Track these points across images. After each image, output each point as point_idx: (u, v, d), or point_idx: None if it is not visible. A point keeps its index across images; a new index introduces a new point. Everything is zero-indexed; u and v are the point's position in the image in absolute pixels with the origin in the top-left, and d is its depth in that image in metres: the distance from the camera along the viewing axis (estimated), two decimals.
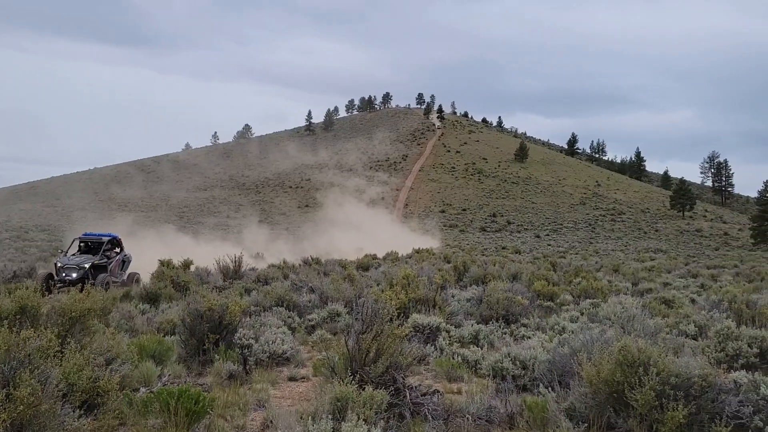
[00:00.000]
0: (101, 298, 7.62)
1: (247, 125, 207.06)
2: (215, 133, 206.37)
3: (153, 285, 16.13)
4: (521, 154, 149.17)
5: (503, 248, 58.05)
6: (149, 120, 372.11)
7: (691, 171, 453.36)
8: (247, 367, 8.51)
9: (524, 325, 12.01)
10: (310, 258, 30.22)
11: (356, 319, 7.31)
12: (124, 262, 22.46)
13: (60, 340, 5.87)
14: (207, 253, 25.12)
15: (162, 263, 19.46)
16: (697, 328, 10.67)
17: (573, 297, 16.14)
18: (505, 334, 11.32)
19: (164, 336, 9.78)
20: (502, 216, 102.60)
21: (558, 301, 15.46)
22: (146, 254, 24.67)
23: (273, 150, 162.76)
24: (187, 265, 20.86)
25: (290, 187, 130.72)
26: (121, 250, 22.51)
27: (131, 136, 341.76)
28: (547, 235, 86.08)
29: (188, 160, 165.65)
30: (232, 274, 20.75)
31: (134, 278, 21.75)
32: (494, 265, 25.01)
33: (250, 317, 11.35)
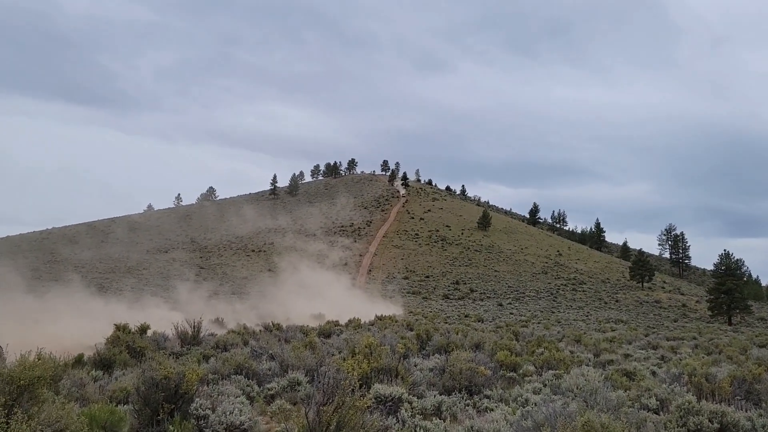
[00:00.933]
0: (52, 365, 7.32)
1: (211, 188, 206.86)
2: (179, 195, 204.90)
3: (107, 351, 15.58)
4: (484, 222, 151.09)
5: (466, 316, 57.96)
6: (112, 180, 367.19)
7: (648, 242, 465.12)
8: None
9: (487, 397, 11.89)
10: (270, 324, 29.70)
11: (317, 389, 7.16)
12: None
13: (6, 411, 5.60)
14: (164, 317, 24.58)
15: (117, 327, 18.88)
16: (658, 402, 10.70)
17: (536, 368, 16.11)
18: (468, 405, 11.19)
19: (117, 405, 9.39)
20: (465, 284, 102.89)
21: (521, 371, 15.40)
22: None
23: (236, 213, 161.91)
24: (143, 329, 20.29)
25: (252, 250, 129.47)
26: None
27: (93, 197, 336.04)
28: (510, 303, 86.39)
29: (148, 222, 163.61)
30: (191, 339, 20.22)
31: None
32: (457, 334, 24.92)
33: (207, 386, 11.01)
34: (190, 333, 20.48)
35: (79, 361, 14.93)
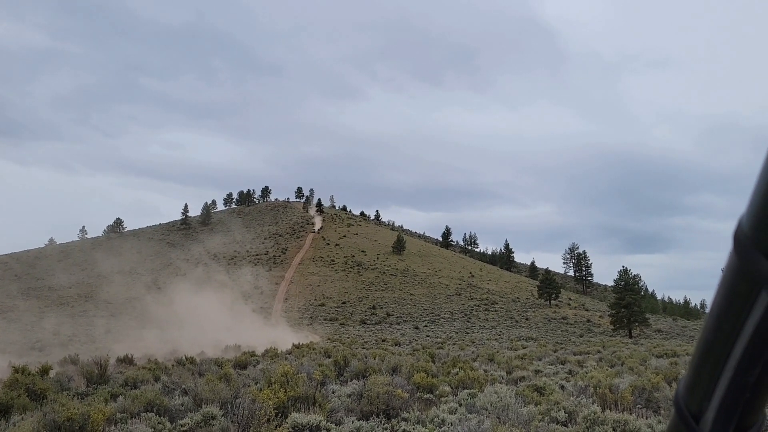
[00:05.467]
0: None
1: (118, 219, 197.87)
2: (83, 227, 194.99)
3: (4, 395, 14.62)
4: (399, 246, 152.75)
5: (383, 340, 58.13)
6: (6, 215, 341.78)
7: (554, 261, 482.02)
8: None
9: (405, 420, 11.99)
10: (183, 358, 28.74)
11: (232, 421, 7.04)
12: None
13: None
14: (71, 357, 23.35)
15: (15, 369, 17.76)
16: (566, 414, 11.14)
17: (451, 388, 16.39)
18: (386, 429, 11.25)
19: None
20: (382, 308, 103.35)
21: (437, 392, 15.63)
22: None
23: (144, 245, 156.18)
24: (45, 370, 19.19)
25: (164, 283, 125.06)
26: None
27: None
28: (426, 326, 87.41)
29: (49, 256, 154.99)
30: (97, 378, 19.29)
31: None
32: (374, 358, 25.01)
33: (115, 425, 10.55)
34: (96, 371, 19.54)
35: None
